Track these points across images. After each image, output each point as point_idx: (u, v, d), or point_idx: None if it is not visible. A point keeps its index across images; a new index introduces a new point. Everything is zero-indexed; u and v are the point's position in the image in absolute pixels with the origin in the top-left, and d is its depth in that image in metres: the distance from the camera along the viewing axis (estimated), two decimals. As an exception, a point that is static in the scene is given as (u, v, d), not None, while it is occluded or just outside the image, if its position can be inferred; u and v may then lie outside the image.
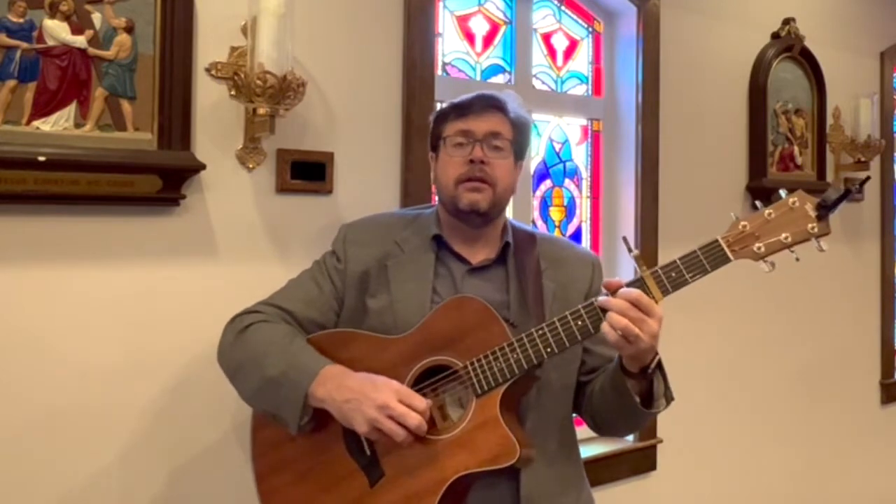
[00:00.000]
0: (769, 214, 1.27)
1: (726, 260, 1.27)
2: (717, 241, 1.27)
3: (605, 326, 1.25)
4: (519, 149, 1.50)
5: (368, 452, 1.35)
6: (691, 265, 1.26)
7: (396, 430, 1.26)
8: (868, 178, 1.42)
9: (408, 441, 1.28)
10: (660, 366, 1.33)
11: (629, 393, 1.31)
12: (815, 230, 1.26)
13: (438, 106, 2.02)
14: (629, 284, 1.28)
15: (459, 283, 1.45)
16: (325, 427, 1.37)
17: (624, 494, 2.48)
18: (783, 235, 1.26)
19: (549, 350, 1.31)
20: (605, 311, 1.27)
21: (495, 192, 1.44)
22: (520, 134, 1.49)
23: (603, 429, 1.52)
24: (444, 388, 1.36)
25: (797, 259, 1.27)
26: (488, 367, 1.32)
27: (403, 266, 1.47)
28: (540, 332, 1.32)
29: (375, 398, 1.27)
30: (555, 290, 1.47)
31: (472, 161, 1.42)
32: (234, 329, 1.44)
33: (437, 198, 1.54)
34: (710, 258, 1.27)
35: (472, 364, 1.33)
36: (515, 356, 1.32)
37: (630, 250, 1.30)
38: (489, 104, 1.46)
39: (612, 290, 1.28)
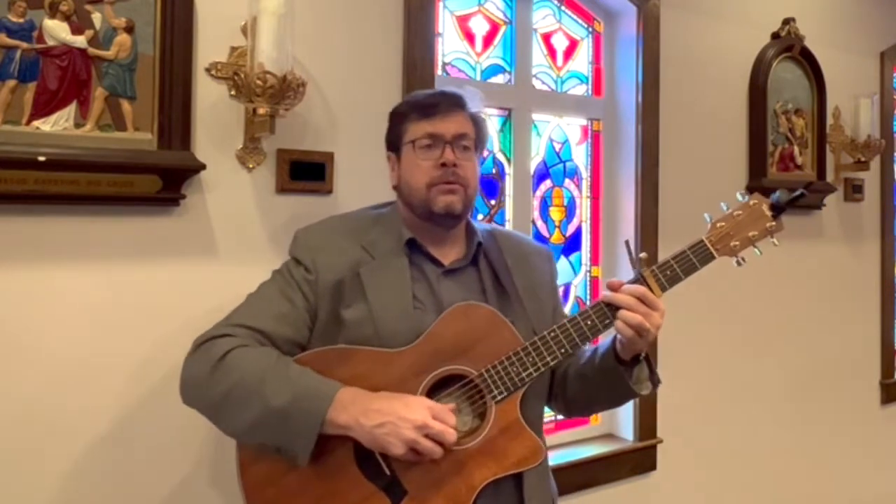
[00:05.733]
0: (737, 215, 1.41)
1: (712, 257, 1.40)
2: (702, 240, 1.40)
3: (619, 324, 1.33)
4: (480, 145, 1.49)
5: (388, 472, 1.29)
6: (683, 263, 1.38)
7: (435, 449, 1.25)
8: (810, 183, 1.53)
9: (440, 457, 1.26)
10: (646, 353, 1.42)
11: (623, 379, 1.39)
12: (773, 227, 1.42)
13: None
14: (632, 282, 1.36)
15: (436, 286, 1.42)
16: (330, 452, 1.29)
17: (624, 494, 2.48)
18: (750, 233, 1.41)
19: (563, 351, 1.36)
20: (611, 307, 1.35)
21: (467, 193, 1.43)
22: (480, 130, 1.48)
23: (577, 412, 1.60)
24: (443, 397, 1.34)
25: (759, 253, 1.42)
26: (505, 372, 1.34)
27: (377, 272, 1.39)
28: (552, 334, 1.36)
29: (413, 419, 1.23)
30: (524, 286, 1.48)
31: (443, 165, 1.39)
32: (208, 357, 1.30)
33: (400, 199, 1.49)
34: (697, 256, 1.39)
35: (487, 371, 1.34)
36: (531, 359, 1.35)
37: (630, 253, 1.40)
38: (454, 103, 1.43)
39: (614, 290, 1.36)
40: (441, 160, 1.39)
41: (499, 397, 1.33)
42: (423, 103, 1.44)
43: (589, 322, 1.36)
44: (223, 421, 1.31)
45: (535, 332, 1.40)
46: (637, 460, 2.51)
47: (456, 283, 1.44)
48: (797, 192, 1.38)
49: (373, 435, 1.23)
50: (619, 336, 1.37)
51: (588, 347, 1.49)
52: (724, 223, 1.41)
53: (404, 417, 1.23)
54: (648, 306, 1.32)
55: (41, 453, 1.56)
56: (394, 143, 1.49)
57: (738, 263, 1.41)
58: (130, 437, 1.64)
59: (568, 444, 2.46)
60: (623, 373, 1.39)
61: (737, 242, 1.39)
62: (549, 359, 1.35)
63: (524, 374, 1.34)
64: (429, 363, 1.33)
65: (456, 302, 1.38)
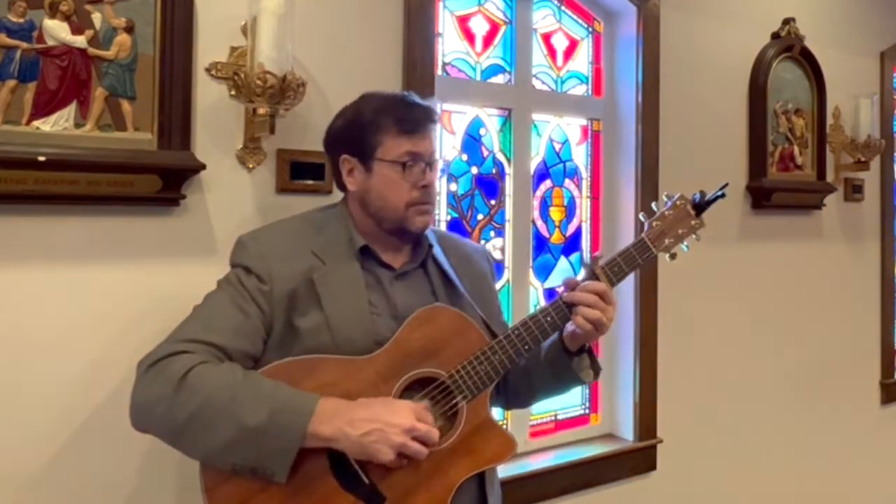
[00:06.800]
0: (668, 214, 1.52)
1: (652, 254, 1.49)
2: (643, 239, 1.49)
3: (579, 319, 1.38)
4: None
5: (367, 481, 1.28)
6: (628, 260, 1.46)
7: (421, 451, 1.25)
8: (726, 184, 1.57)
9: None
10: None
11: (572, 369, 1.47)
12: (697, 225, 1.52)
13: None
14: (585, 279, 1.43)
15: (389, 290, 1.42)
16: (304, 466, 1.24)
17: (624, 494, 2.48)
18: (679, 230, 1.51)
19: (526, 348, 1.41)
20: (569, 305, 1.40)
21: (434, 210, 1.46)
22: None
23: (517, 404, 1.66)
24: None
25: (686, 249, 1.52)
26: (474, 372, 1.37)
27: (330, 278, 1.36)
28: (516, 332, 1.40)
29: (401, 423, 1.23)
30: (470, 285, 1.51)
31: (424, 186, 1.39)
32: (167, 377, 1.22)
33: (358, 206, 1.45)
34: (640, 254, 1.47)
35: (457, 372, 1.36)
36: (498, 357, 1.38)
37: (585, 257, 1.44)
38: (432, 119, 1.42)
39: (572, 287, 1.42)
40: (423, 182, 1.40)
41: (470, 396, 1.36)
42: (403, 117, 1.39)
43: (549, 318, 1.41)
44: (189, 445, 1.23)
45: (489, 329, 1.45)
46: (637, 460, 2.51)
47: (407, 286, 1.45)
48: (716, 193, 1.50)
49: (360, 444, 1.22)
50: (571, 329, 1.43)
51: None
52: (659, 222, 1.51)
53: (391, 423, 1.23)
54: (606, 302, 1.40)
55: (40, 453, 1.56)
56: (360, 150, 1.42)
57: (671, 258, 1.51)
58: (129, 436, 1.64)
59: (568, 444, 2.46)
60: (570, 363, 1.46)
61: (670, 240, 1.50)
62: (514, 355, 1.39)
63: (491, 373, 1.37)
64: (399, 368, 1.34)
65: (409, 305, 1.39)
